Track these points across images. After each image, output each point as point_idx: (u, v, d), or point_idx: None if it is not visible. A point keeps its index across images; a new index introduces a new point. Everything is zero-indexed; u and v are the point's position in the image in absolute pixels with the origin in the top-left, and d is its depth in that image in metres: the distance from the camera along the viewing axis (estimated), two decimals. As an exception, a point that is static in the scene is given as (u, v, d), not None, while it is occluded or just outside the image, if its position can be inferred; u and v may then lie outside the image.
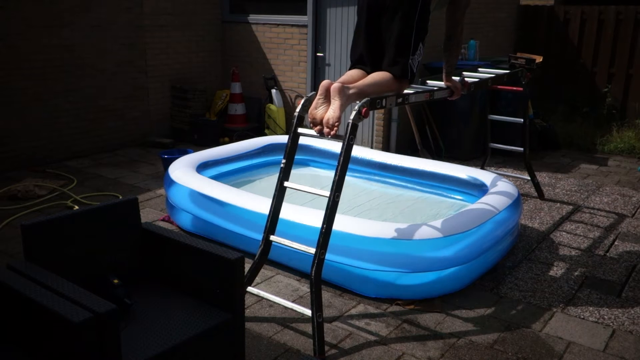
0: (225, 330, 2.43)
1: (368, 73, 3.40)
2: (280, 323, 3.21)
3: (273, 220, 3.28)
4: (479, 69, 4.97)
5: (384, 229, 3.46)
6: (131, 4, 6.64)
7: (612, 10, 8.05)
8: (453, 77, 3.86)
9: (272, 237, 3.26)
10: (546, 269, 3.92)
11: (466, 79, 3.95)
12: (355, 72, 3.46)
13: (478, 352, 2.98)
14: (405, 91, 3.57)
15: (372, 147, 6.60)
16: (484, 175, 4.61)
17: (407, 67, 3.30)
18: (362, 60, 3.49)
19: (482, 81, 4.29)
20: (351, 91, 3.09)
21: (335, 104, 2.99)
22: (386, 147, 6.61)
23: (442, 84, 3.97)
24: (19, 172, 5.64)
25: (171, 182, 4.48)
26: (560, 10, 8.59)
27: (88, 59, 6.35)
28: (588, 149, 7.15)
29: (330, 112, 2.99)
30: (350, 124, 2.97)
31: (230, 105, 7.33)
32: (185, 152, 5.66)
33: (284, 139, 5.49)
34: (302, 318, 3.24)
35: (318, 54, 6.94)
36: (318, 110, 3.04)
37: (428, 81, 4.09)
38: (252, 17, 7.37)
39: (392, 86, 3.32)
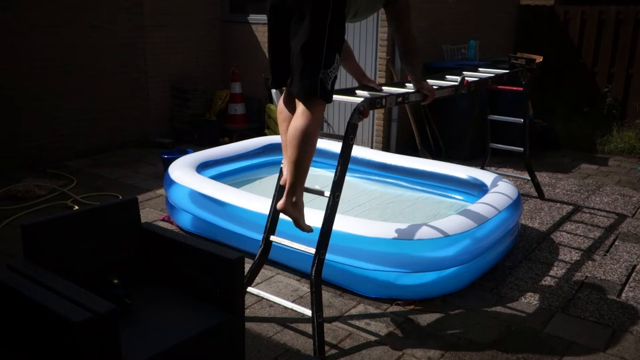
0: (225, 330, 2.43)
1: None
2: (280, 323, 3.21)
3: (273, 220, 3.28)
4: (479, 69, 4.97)
5: (384, 229, 3.45)
6: (131, 4, 6.64)
7: (612, 10, 8.05)
8: (447, 77, 3.83)
9: (272, 237, 3.26)
10: (546, 269, 3.92)
11: (466, 78, 3.94)
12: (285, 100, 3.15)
13: (478, 352, 2.98)
14: (405, 91, 3.56)
15: (372, 147, 6.60)
16: (484, 176, 4.61)
17: (317, 84, 2.72)
18: (275, 79, 3.07)
19: (482, 81, 4.29)
20: (293, 199, 2.91)
21: (294, 217, 2.98)
22: (386, 147, 6.61)
23: (441, 83, 3.97)
24: (19, 172, 5.64)
25: (171, 182, 4.48)
26: (560, 10, 8.59)
27: (88, 59, 6.35)
28: (588, 149, 7.15)
29: (301, 222, 2.99)
30: (349, 124, 2.96)
31: (230, 105, 7.33)
32: (185, 152, 5.65)
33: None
34: (302, 318, 3.24)
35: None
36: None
37: (428, 80, 4.08)
38: (252, 17, 7.36)
39: (310, 128, 2.76)
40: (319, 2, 2.70)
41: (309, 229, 3.00)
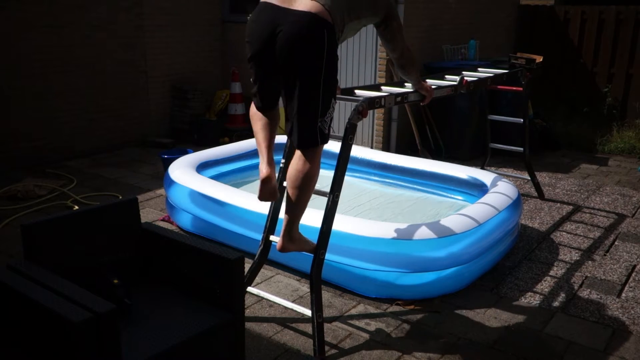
0: (225, 330, 2.43)
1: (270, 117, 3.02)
2: (280, 323, 3.21)
3: (273, 220, 3.28)
4: (479, 69, 4.97)
5: (384, 229, 3.45)
6: (131, 4, 6.64)
7: (612, 10, 8.05)
8: (446, 77, 3.81)
9: (272, 237, 3.26)
10: (546, 269, 3.92)
11: (465, 78, 3.94)
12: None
13: (478, 352, 2.98)
14: (404, 90, 3.57)
15: (372, 147, 6.60)
16: (484, 175, 4.61)
17: (316, 134, 2.79)
18: (264, 106, 3.01)
19: (481, 81, 4.29)
20: (290, 235, 2.96)
21: (298, 250, 3.02)
22: (386, 147, 6.61)
23: (441, 82, 3.98)
24: (19, 172, 5.64)
25: (171, 182, 4.48)
26: (560, 10, 8.59)
27: (88, 59, 6.35)
28: (588, 149, 7.15)
29: (306, 249, 3.04)
30: (348, 124, 2.96)
31: (230, 105, 7.32)
32: (185, 152, 5.65)
33: (283, 139, 5.47)
34: (302, 318, 3.24)
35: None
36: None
37: (427, 80, 4.08)
38: (252, 17, 7.35)
39: (311, 172, 2.83)
40: (312, 58, 2.65)
41: (311, 245, 3.05)
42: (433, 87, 3.57)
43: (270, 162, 2.91)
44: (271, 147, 3.00)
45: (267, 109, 3.00)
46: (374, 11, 2.94)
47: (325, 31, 2.62)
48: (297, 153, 2.88)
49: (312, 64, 2.66)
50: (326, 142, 2.88)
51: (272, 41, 2.67)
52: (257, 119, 3.04)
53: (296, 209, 2.91)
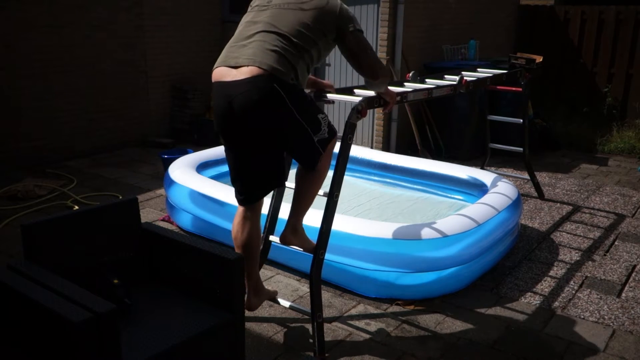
0: (225, 330, 2.43)
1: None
2: (280, 323, 3.21)
3: (273, 220, 3.28)
4: (479, 69, 4.97)
5: (384, 229, 3.45)
6: (131, 4, 6.64)
7: (612, 10, 8.05)
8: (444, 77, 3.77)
9: (271, 237, 3.26)
10: (546, 269, 3.92)
11: (465, 78, 3.94)
12: None
13: (478, 352, 2.98)
14: (404, 90, 3.56)
15: (372, 147, 6.60)
16: (484, 176, 4.61)
17: (318, 150, 2.80)
18: (246, 199, 2.98)
19: (481, 81, 4.29)
20: (292, 227, 2.96)
21: (298, 245, 3.02)
22: (386, 147, 6.61)
23: (440, 82, 3.98)
24: (19, 172, 5.64)
25: (171, 182, 4.48)
26: (560, 10, 8.59)
27: (88, 59, 6.35)
28: (588, 149, 7.15)
29: (306, 245, 3.03)
30: (348, 124, 2.96)
31: (230, 105, 7.31)
32: (185, 152, 5.65)
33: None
34: (302, 318, 3.24)
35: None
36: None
37: (427, 80, 4.09)
38: (252, 17, 7.34)
39: (321, 167, 2.87)
40: (277, 115, 2.64)
41: (311, 244, 3.04)
42: (433, 86, 3.57)
43: (258, 292, 3.01)
44: (258, 277, 3.06)
45: (251, 200, 2.93)
46: (324, 31, 2.77)
47: (276, 85, 2.59)
48: None
49: (280, 118, 2.66)
50: (334, 136, 2.88)
51: (234, 115, 2.68)
52: (240, 229, 2.94)
53: (304, 201, 2.93)
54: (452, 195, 4.80)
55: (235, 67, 2.68)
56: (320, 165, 2.87)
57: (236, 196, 2.97)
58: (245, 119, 2.66)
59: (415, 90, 3.58)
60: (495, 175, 4.58)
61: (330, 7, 2.77)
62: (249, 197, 2.93)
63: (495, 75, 4.56)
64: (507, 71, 4.82)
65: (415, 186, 4.97)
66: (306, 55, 2.73)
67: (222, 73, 2.76)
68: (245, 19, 2.92)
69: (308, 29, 2.72)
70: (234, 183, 2.96)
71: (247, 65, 2.63)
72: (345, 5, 2.85)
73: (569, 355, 2.96)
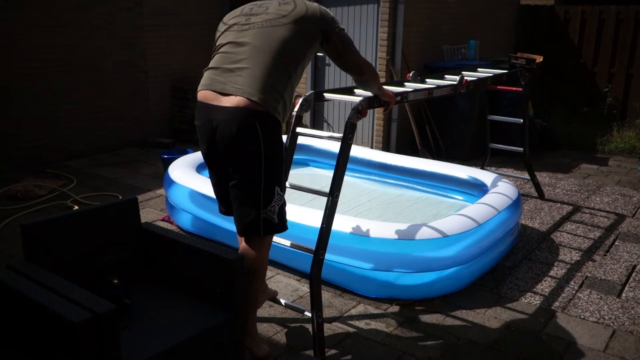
0: (225, 330, 2.43)
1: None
2: (280, 323, 3.21)
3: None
4: (479, 69, 4.97)
5: (384, 229, 3.45)
6: (131, 4, 6.64)
7: (612, 10, 8.05)
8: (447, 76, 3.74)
9: (271, 237, 3.25)
10: (546, 269, 3.92)
11: (465, 77, 3.95)
12: None
13: (478, 352, 2.98)
14: (404, 90, 3.57)
15: (372, 147, 6.60)
16: (484, 176, 4.61)
17: (259, 224, 2.64)
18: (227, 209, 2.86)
19: (481, 80, 4.29)
20: (248, 329, 2.73)
21: (248, 344, 2.77)
22: (386, 147, 6.61)
23: (440, 82, 3.97)
24: (19, 172, 5.64)
25: (171, 182, 4.48)
26: (560, 10, 8.59)
27: (88, 59, 6.35)
28: (588, 149, 7.15)
29: (254, 351, 2.83)
30: (348, 124, 2.96)
31: (230, 105, 7.31)
32: (185, 152, 5.65)
33: (283, 138, 5.48)
34: (302, 318, 3.24)
35: (318, 54, 6.94)
36: None
37: (427, 80, 4.09)
38: (252, 17, 7.34)
39: (256, 265, 2.71)
40: (248, 153, 2.56)
41: (264, 351, 2.86)
42: (432, 86, 3.56)
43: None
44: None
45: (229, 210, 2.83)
46: (311, 38, 2.71)
47: (257, 123, 2.53)
48: (242, 244, 2.77)
49: (248, 159, 2.58)
50: (279, 231, 2.73)
51: (215, 138, 2.62)
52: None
53: (246, 302, 2.64)
54: (452, 195, 4.80)
55: (222, 94, 2.58)
56: (254, 260, 2.68)
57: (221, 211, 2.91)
58: (221, 144, 2.60)
59: (416, 90, 3.58)
60: (495, 175, 4.58)
61: (311, 12, 2.72)
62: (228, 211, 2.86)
63: (495, 75, 4.56)
64: (507, 71, 4.82)
65: (415, 186, 4.97)
66: (294, 75, 2.66)
67: (207, 96, 2.65)
68: (227, 38, 2.74)
69: (296, 44, 2.65)
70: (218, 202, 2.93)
71: (235, 95, 2.54)
72: (323, 7, 2.79)
73: (569, 355, 2.96)
